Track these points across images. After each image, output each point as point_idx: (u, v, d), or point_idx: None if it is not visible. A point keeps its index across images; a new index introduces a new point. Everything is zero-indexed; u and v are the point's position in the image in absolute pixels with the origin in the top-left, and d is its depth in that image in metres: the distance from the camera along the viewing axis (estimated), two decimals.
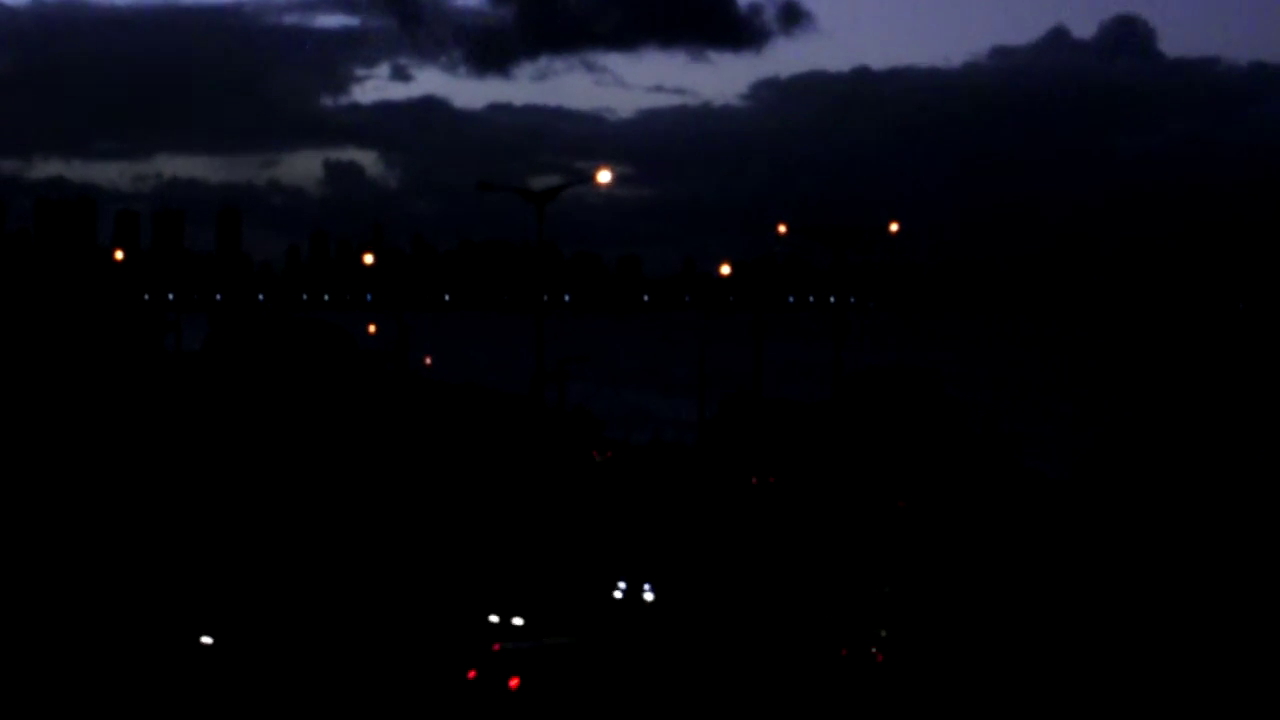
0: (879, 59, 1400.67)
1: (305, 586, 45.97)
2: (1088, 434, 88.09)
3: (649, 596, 49.37)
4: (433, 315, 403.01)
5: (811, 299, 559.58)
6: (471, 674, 34.86)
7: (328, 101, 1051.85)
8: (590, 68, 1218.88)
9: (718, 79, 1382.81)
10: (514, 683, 34.04)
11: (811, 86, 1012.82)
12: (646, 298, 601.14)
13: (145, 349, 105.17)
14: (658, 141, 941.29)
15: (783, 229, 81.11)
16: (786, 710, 35.55)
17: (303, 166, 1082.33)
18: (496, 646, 36.35)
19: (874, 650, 41.54)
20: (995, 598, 47.48)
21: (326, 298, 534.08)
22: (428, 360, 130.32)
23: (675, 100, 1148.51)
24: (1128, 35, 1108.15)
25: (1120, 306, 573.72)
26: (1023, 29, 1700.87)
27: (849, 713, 36.16)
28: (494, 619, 44.11)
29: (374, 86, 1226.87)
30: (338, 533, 54.65)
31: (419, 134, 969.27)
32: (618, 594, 50.25)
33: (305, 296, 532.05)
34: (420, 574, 49.07)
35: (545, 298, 67.56)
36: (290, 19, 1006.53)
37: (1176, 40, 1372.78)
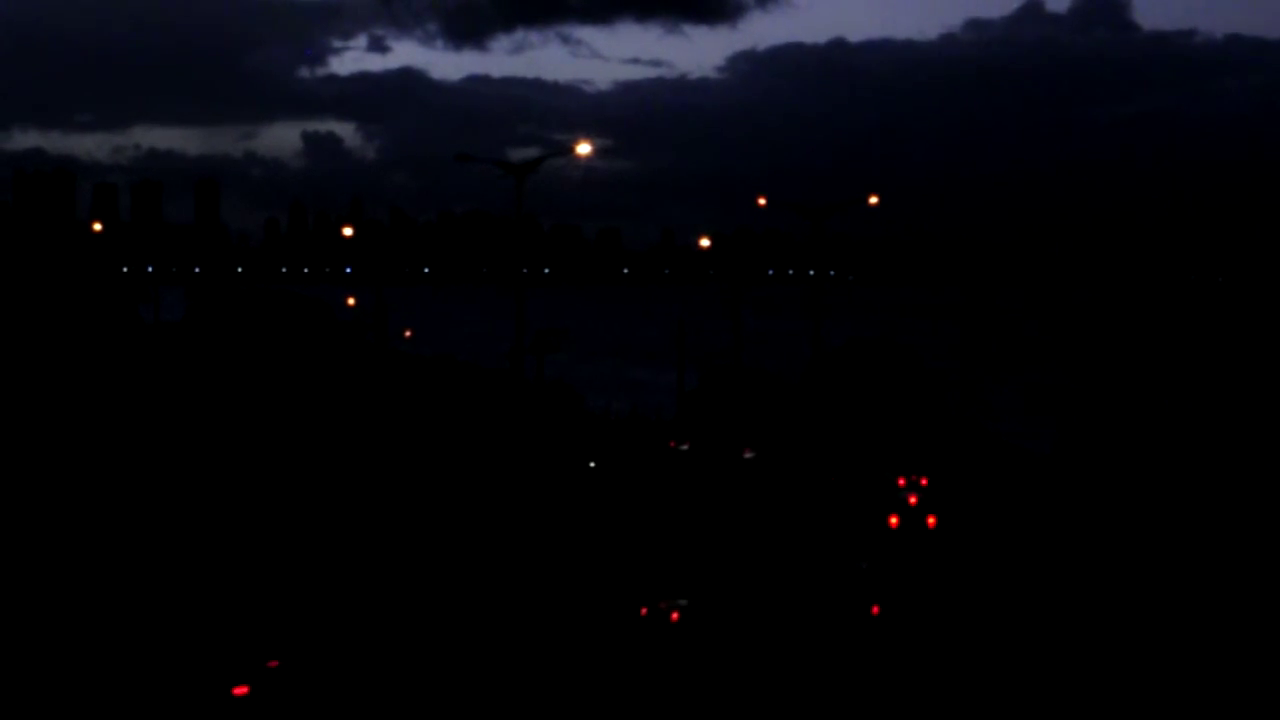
0: (855, 31, 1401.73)
1: (286, 558, 46.04)
2: (1063, 408, 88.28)
3: None
4: (412, 288, 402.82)
5: (791, 271, 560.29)
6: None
7: (305, 73, 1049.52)
8: (566, 40, 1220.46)
9: (694, 51, 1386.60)
10: None
11: (788, 58, 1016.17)
12: (626, 270, 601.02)
13: (123, 320, 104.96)
14: (635, 113, 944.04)
15: (762, 202, 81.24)
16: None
17: (281, 138, 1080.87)
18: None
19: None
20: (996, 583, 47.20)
21: (306, 270, 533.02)
22: (407, 333, 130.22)
23: (652, 73, 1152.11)
24: (1103, 7, 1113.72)
25: (1097, 279, 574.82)
26: (998, 1, 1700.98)
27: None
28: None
29: (352, 58, 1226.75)
30: (318, 504, 54.69)
31: (397, 106, 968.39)
32: None
33: (284, 269, 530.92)
34: (401, 545, 49.15)
35: (525, 270, 67.45)
36: None
37: (1151, 12, 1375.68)
